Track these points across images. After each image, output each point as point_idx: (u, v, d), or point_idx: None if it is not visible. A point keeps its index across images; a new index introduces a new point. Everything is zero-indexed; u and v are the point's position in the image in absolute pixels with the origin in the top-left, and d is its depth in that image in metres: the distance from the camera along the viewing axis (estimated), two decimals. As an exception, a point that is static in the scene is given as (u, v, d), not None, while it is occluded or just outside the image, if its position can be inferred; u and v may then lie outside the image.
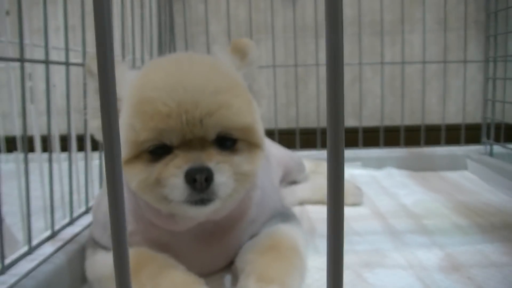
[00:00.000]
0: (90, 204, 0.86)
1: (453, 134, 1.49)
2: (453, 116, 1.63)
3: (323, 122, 1.60)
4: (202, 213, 0.58)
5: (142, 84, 0.56)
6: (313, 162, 1.27)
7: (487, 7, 1.41)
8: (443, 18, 1.51)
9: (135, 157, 0.55)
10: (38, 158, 0.82)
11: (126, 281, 0.29)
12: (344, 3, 1.57)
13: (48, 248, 0.66)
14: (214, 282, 0.68)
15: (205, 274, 0.64)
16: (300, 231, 0.75)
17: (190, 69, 0.57)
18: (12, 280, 0.55)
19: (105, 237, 0.67)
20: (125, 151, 0.56)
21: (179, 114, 0.53)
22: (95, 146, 0.91)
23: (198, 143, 0.54)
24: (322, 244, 0.82)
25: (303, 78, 1.66)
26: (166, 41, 1.49)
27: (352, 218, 0.97)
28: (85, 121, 0.82)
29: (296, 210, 1.03)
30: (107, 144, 0.28)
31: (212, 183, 0.53)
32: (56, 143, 0.88)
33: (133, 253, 0.58)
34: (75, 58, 0.81)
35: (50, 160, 0.70)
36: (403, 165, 1.38)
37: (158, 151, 0.55)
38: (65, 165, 0.84)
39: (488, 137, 1.37)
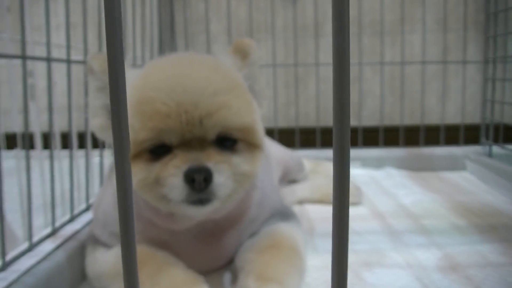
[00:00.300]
0: (90, 201, 0.86)
1: (452, 135, 1.49)
2: (453, 116, 1.63)
3: (323, 121, 1.60)
4: (201, 213, 0.59)
5: (142, 84, 0.56)
6: (313, 162, 1.28)
7: (486, 8, 1.41)
8: (443, 18, 1.51)
9: (135, 156, 0.56)
10: (38, 155, 0.82)
11: (134, 278, 0.29)
12: (345, 3, 1.58)
13: (48, 245, 0.66)
14: (214, 280, 0.68)
15: (204, 273, 0.64)
16: (300, 230, 0.75)
17: (190, 69, 0.57)
18: (13, 276, 0.56)
19: (105, 234, 0.67)
20: None
21: (178, 114, 0.53)
22: (95, 144, 0.91)
23: (198, 143, 0.55)
24: (321, 243, 0.83)
25: (303, 78, 1.67)
26: (167, 40, 1.50)
27: (351, 217, 0.96)
28: (86, 119, 0.82)
29: (296, 209, 1.03)
30: (117, 142, 0.28)
31: (211, 183, 0.53)
32: (57, 141, 0.88)
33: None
34: (75, 55, 0.81)
35: (51, 158, 0.71)
36: (402, 165, 1.38)
37: (158, 151, 0.55)
38: (65, 162, 0.84)
39: (487, 138, 1.38)
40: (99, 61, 0.63)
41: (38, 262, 0.61)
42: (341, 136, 0.26)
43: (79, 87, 0.85)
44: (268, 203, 0.74)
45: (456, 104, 1.62)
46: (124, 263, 0.29)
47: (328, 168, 1.29)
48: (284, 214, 0.77)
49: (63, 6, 0.84)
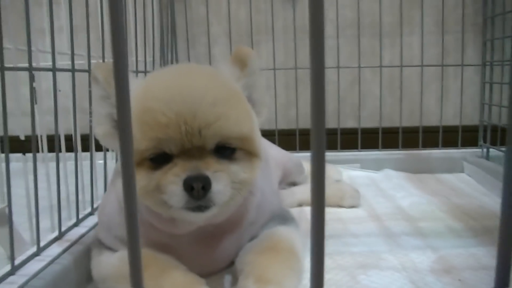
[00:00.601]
0: (95, 205, 0.88)
1: (451, 136, 1.51)
2: (452, 118, 1.65)
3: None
4: (200, 218, 0.61)
5: (144, 95, 0.58)
6: (312, 164, 1.30)
7: (484, 11, 1.43)
8: (442, 21, 1.53)
9: (137, 165, 0.58)
10: (44, 158, 0.84)
11: (139, 280, 0.30)
12: (344, 5, 1.60)
13: (55, 249, 0.68)
14: (214, 282, 0.70)
15: (205, 275, 0.66)
16: (298, 233, 0.77)
17: (190, 81, 0.59)
18: (22, 280, 0.58)
19: (110, 238, 0.70)
20: None
21: (178, 125, 0.55)
22: (98, 147, 0.93)
23: (197, 152, 0.56)
24: (319, 246, 0.85)
25: (303, 79, 1.68)
26: (168, 42, 1.51)
27: (349, 220, 1.00)
28: (90, 122, 0.84)
29: (295, 211, 1.05)
30: (123, 152, 0.29)
31: (209, 191, 0.55)
32: (62, 145, 0.90)
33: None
34: (78, 59, 0.82)
35: (57, 163, 0.73)
36: (401, 167, 1.41)
37: (158, 159, 0.57)
38: (68, 165, 0.86)
39: (485, 141, 1.40)
40: (103, 70, 0.65)
41: (46, 266, 0.63)
42: (318, 137, 0.28)
43: (82, 90, 0.86)
44: (267, 207, 0.76)
45: (455, 106, 1.63)
46: (131, 266, 0.31)
47: (327, 170, 1.31)
48: (283, 218, 0.79)
49: (63, 9, 0.86)
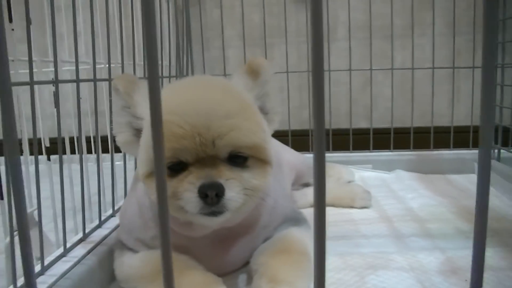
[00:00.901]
0: (115, 206, 0.93)
1: (463, 137, 1.52)
2: (463, 118, 1.65)
3: (334, 124, 1.65)
4: (214, 223, 0.65)
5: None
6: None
7: (495, 14, 1.43)
8: (453, 22, 1.54)
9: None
10: (66, 159, 0.88)
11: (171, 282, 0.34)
12: (356, 8, 1.62)
13: (80, 250, 0.73)
14: (230, 282, 0.74)
15: (221, 275, 0.70)
16: (310, 234, 0.80)
17: (204, 94, 0.63)
18: (51, 280, 0.62)
19: (131, 240, 0.74)
20: (146, 167, 0.62)
21: (192, 136, 0.59)
22: (117, 148, 0.97)
23: (211, 161, 0.60)
24: (330, 247, 0.88)
25: (316, 81, 1.71)
26: (183, 46, 1.55)
27: (360, 221, 1.02)
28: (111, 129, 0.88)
29: (307, 212, 1.09)
30: (157, 161, 0.33)
31: (222, 197, 0.59)
32: (83, 147, 0.94)
33: (157, 255, 0.65)
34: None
35: (81, 167, 0.77)
36: (412, 167, 1.43)
37: (175, 167, 0.61)
38: (88, 166, 0.89)
39: (496, 142, 1.41)
40: (123, 82, 0.69)
41: (72, 267, 0.67)
42: (318, 138, 0.31)
43: (99, 94, 0.90)
44: (280, 210, 0.80)
45: (467, 107, 1.64)
46: (163, 267, 0.34)
47: (339, 171, 1.34)
48: (295, 220, 0.83)
49: (82, 15, 0.89)
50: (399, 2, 1.63)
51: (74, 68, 0.75)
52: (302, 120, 1.72)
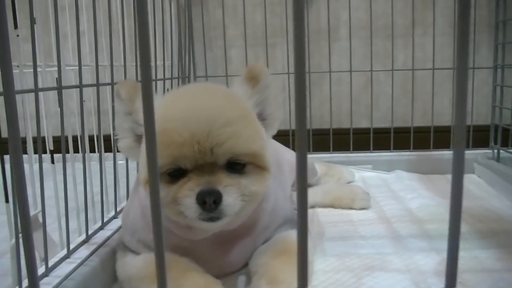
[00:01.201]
0: (118, 208, 0.95)
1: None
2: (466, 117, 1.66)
3: (337, 123, 1.66)
4: (213, 227, 0.66)
5: (161, 116, 0.63)
6: (325, 165, 1.34)
7: (496, 15, 1.44)
8: (456, 22, 1.54)
9: None
10: (69, 158, 0.89)
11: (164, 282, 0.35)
12: (358, 7, 1.63)
13: (83, 252, 0.75)
14: (230, 282, 0.76)
15: (221, 276, 0.72)
16: (308, 236, 0.82)
17: (203, 102, 0.64)
18: (55, 281, 0.64)
19: (133, 242, 0.76)
20: (147, 172, 0.63)
21: (192, 144, 0.60)
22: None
23: (210, 168, 0.62)
24: (329, 248, 0.89)
25: (318, 81, 1.72)
26: (186, 46, 1.57)
27: (359, 222, 1.04)
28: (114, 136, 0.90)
29: (307, 213, 1.10)
30: (151, 168, 0.34)
31: (220, 204, 0.60)
32: (86, 146, 0.95)
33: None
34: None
35: (84, 173, 0.79)
36: (412, 168, 1.44)
37: (175, 174, 0.62)
38: (92, 165, 0.91)
39: (496, 142, 1.41)
40: (126, 88, 0.70)
41: (76, 268, 0.69)
42: (300, 138, 0.33)
43: (101, 93, 0.90)
44: (280, 212, 0.81)
45: (469, 106, 1.65)
46: (157, 270, 0.36)
47: (340, 171, 1.36)
48: (295, 222, 0.84)
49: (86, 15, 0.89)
50: (401, 1, 1.64)
51: (77, 67, 0.76)
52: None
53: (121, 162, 1.02)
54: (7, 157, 0.63)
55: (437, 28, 1.54)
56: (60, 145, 0.72)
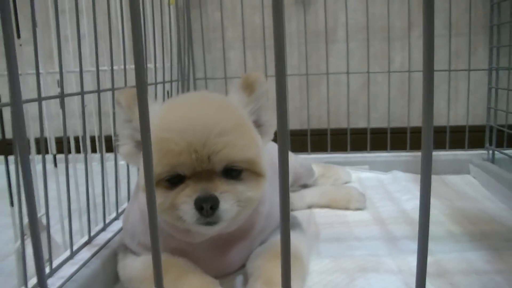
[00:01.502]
0: (119, 209, 0.97)
1: (461, 137, 1.55)
2: (462, 118, 1.68)
3: (335, 123, 1.68)
4: (210, 231, 0.69)
5: (159, 125, 0.65)
6: (322, 166, 1.36)
7: (490, 19, 1.45)
8: (453, 23, 1.56)
9: (155, 185, 0.65)
10: (70, 159, 0.91)
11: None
12: (356, 10, 1.65)
13: (85, 253, 0.77)
14: (227, 284, 0.78)
15: (219, 277, 0.74)
16: (304, 239, 0.84)
17: (200, 111, 0.67)
18: (59, 282, 0.67)
19: (134, 244, 0.78)
20: None
21: (189, 153, 0.63)
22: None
23: (207, 175, 0.64)
24: (324, 249, 0.92)
25: (316, 81, 1.74)
26: (185, 48, 1.59)
27: (354, 223, 1.06)
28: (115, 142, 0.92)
29: (304, 214, 1.13)
30: (146, 174, 0.37)
31: (217, 209, 0.63)
32: (87, 147, 0.97)
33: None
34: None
35: (86, 177, 0.81)
36: (409, 168, 1.46)
37: (173, 180, 0.65)
38: (93, 166, 0.92)
39: (491, 143, 1.43)
40: (125, 96, 0.72)
41: (78, 269, 0.72)
42: (282, 137, 0.36)
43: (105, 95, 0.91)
44: (275, 215, 0.84)
45: (466, 106, 1.66)
46: (154, 271, 0.38)
47: (336, 172, 1.38)
48: (290, 224, 0.87)
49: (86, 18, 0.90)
50: (398, 3, 1.66)
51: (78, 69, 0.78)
52: (302, 120, 1.76)
53: (122, 163, 1.04)
54: (9, 158, 0.66)
55: (434, 30, 1.55)
56: (62, 146, 0.75)
